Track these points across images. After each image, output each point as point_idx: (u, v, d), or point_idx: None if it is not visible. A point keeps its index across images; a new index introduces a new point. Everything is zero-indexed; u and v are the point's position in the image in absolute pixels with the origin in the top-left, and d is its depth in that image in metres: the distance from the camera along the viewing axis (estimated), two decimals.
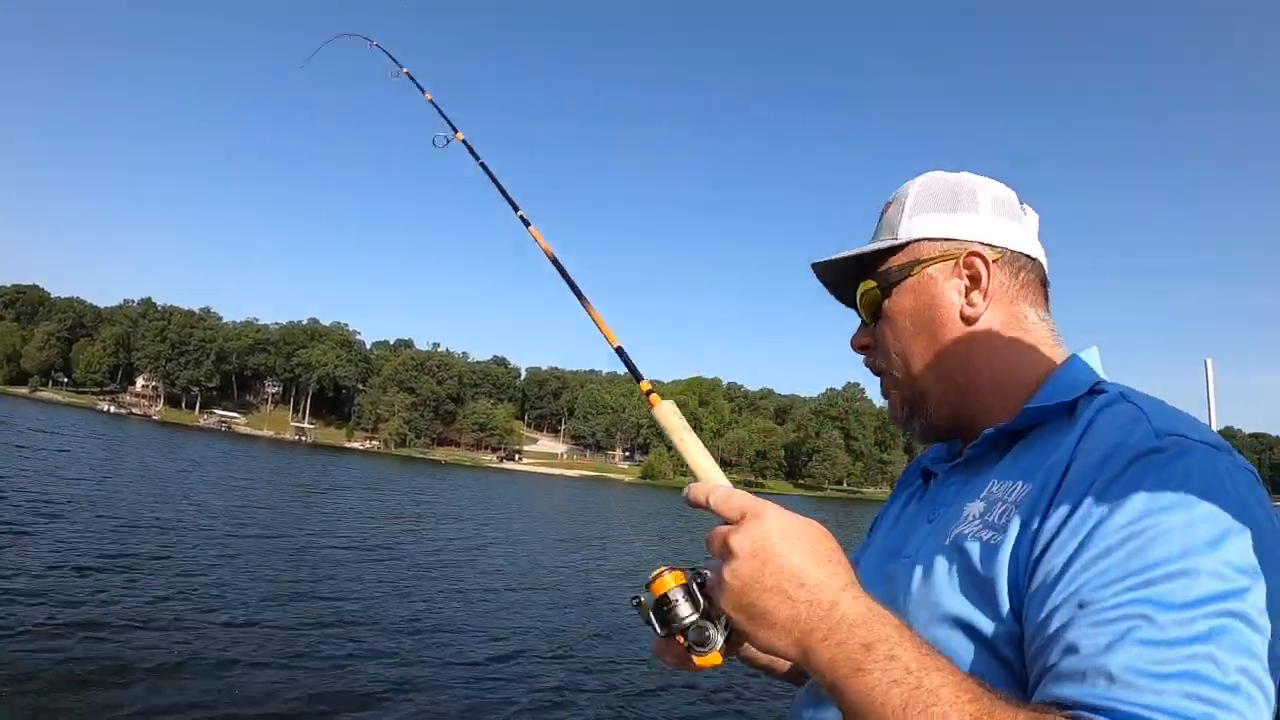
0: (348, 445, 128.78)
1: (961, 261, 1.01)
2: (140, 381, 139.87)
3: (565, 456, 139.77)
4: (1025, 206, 1.07)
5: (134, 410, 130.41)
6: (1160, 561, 0.68)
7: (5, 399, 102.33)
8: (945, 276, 1.02)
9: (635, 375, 1.15)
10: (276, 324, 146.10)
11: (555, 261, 1.36)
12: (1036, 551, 0.77)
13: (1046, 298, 1.06)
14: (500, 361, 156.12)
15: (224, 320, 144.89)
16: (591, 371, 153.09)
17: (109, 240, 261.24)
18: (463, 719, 8.25)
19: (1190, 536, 0.69)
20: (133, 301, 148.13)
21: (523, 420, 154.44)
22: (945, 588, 0.85)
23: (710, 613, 0.84)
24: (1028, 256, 1.04)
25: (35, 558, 11.99)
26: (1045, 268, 1.07)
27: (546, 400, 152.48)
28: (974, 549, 0.84)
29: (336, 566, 15.70)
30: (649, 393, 1.08)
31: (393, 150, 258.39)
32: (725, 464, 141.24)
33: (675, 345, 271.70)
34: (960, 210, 1.04)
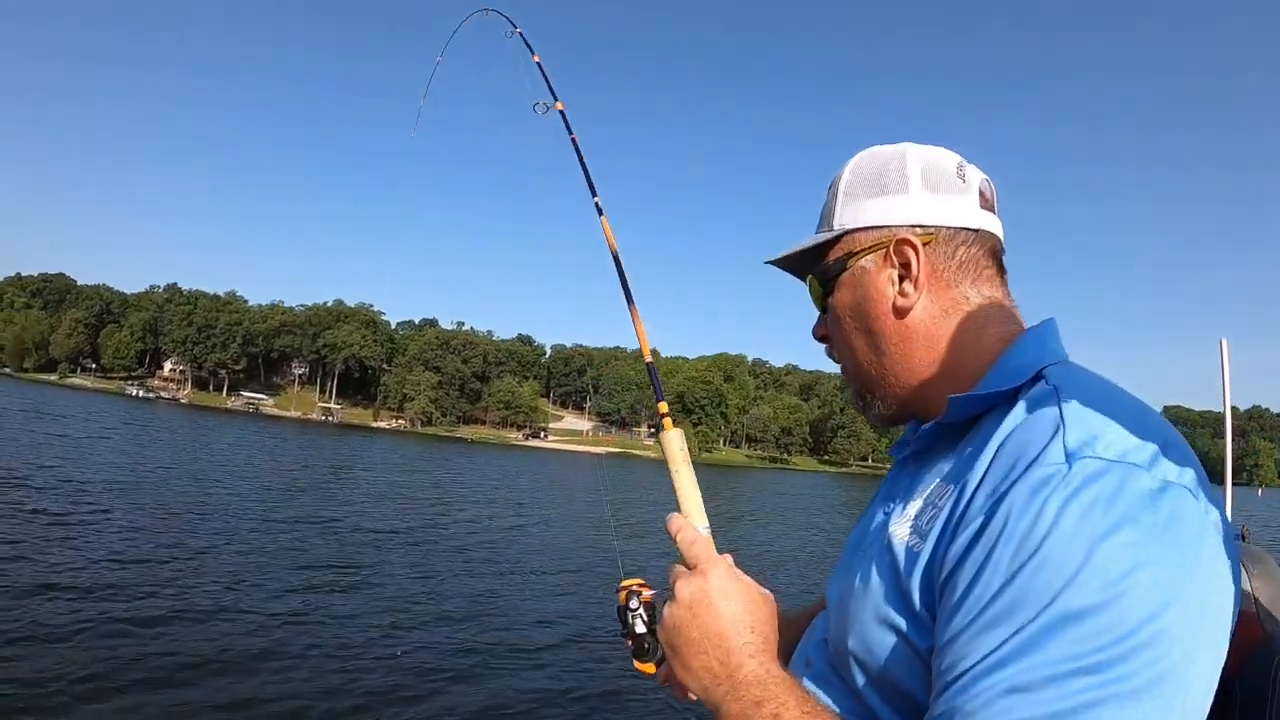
0: (374, 425, 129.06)
1: (891, 250, 0.96)
2: (168, 366, 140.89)
3: (591, 434, 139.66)
4: (966, 171, 0.98)
5: (162, 394, 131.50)
6: (1037, 613, 0.64)
7: (36, 386, 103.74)
8: (878, 268, 0.97)
9: (658, 394, 1.19)
10: (302, 306, 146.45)
11: (617, 259, 1.34)
12: (943, 574, 0.75)
13: (1001, 269, 0.99)
14: (525, 339, 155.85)
15: (250, 303, 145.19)
16: (616, 348, 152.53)
17: (134, 227, 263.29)
18: (503, 702, 7.95)
19: (1079, 586, 0.63)
20: (159, 287, 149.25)
21: (548, 398, 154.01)
22: (878, 589, 0.85)
23: (656, 631, 0.97)
24: (969, 230, 0.96)
25: (85, 548, 11.73)
26: (998, 235, 0.99)
27: (571, 378, 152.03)
28: (901, 554, 0.83)
29: (378, 550, 15.37)
30: (665, 415, 1.13)
31: (421, 132, 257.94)
32: (751, 440, 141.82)
33: (701, 321, 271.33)
34: (888, 192, 0.97)
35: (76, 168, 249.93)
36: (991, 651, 0.65)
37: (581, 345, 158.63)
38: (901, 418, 1.02)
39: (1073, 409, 0.74)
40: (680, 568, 0.92)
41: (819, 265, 1.03)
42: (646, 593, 1.05)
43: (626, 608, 1.04)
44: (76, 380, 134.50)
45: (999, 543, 0.68)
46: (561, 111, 1.77)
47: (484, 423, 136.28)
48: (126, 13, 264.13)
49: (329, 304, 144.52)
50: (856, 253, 0.98)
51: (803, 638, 1.09)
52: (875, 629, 0.84)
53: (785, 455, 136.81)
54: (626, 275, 1.32)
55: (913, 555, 0.81)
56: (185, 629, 8.79)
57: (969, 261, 0.95)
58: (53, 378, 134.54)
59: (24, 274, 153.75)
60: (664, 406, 1.15)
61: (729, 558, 0.94)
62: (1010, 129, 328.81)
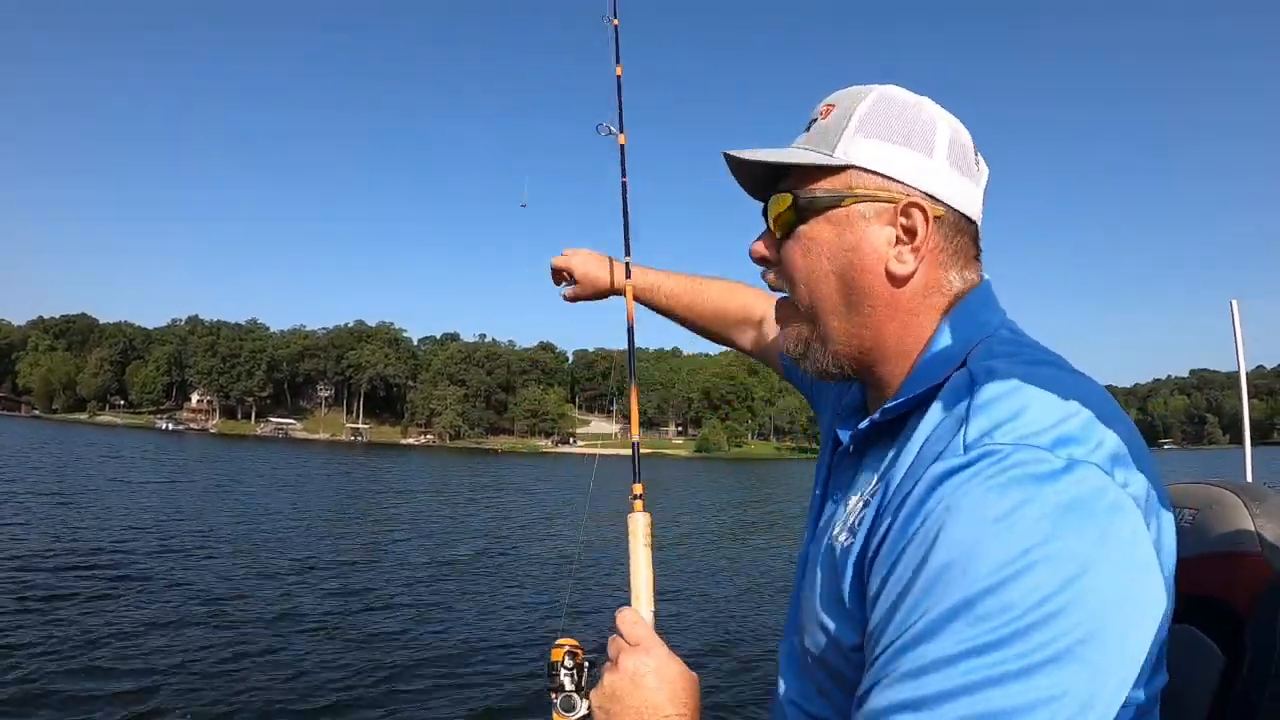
0: (403, 442, 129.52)
1: (900, 209, 0.86)
2: (195, 397, 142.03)
3: (619, 436, 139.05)
4: (980, 159, 0.93)
5: (191, 425, 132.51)
6: (934, 603, 0.64)
7: (69, 427, 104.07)
8: (878, 220, 0.87)
9: (626, 245, 1.13)
10: (324, 329, 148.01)
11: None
12: (867, 572, 0.75)
13: (977, 263, 0.93)
14: (547, 347, 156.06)
15: (271, 329, 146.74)
16: (639, 350, 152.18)
17: (149, 262, 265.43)
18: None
19: (972, 572, 0.62)
20: (180, 320, 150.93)
21: (574, 403, 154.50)
22: (820, 593, 0.86)
23: (585, 692, 1.07)
24: (968, 220, 0.90)
25: (144, 598, 11.39)
26: (979, 233, 0.94)
27: (596, 382, 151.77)
28: (838, 556, 0.83)
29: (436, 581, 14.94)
30: (627, 279, 1.12)
31: (429, 144, 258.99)
32: (779, 431, 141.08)
33: None
34: (913, 147, 0.88)
35: (87, 207, 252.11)
36: (892, 642, 0.66)
37: (603, 348, 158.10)
38: (839, 379, 0.96)
39: (982, 398, 0.73)
40: (622, 641, 0.96)
41: (802, 187, 0.91)
42: (581, 655, 1.13)
43: (561, 665, 1.11)
44: (106, 418, 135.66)
45: (904, 538, 0.69)
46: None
47: (512, 433, 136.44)
48: (119, 27, 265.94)
49: (350, 325, 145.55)
50: (859, 194, 0.87)
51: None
52: (816, 635, 0.85)
53: (814, 445, 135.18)
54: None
55: (845, 554, 0.81)
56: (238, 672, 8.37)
57: (961, 250, 0.90)
58: (83, 416, 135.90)
59: (46, 316, 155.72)
60: (627, 270, 1.07)
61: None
62: (1014, 68, 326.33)
